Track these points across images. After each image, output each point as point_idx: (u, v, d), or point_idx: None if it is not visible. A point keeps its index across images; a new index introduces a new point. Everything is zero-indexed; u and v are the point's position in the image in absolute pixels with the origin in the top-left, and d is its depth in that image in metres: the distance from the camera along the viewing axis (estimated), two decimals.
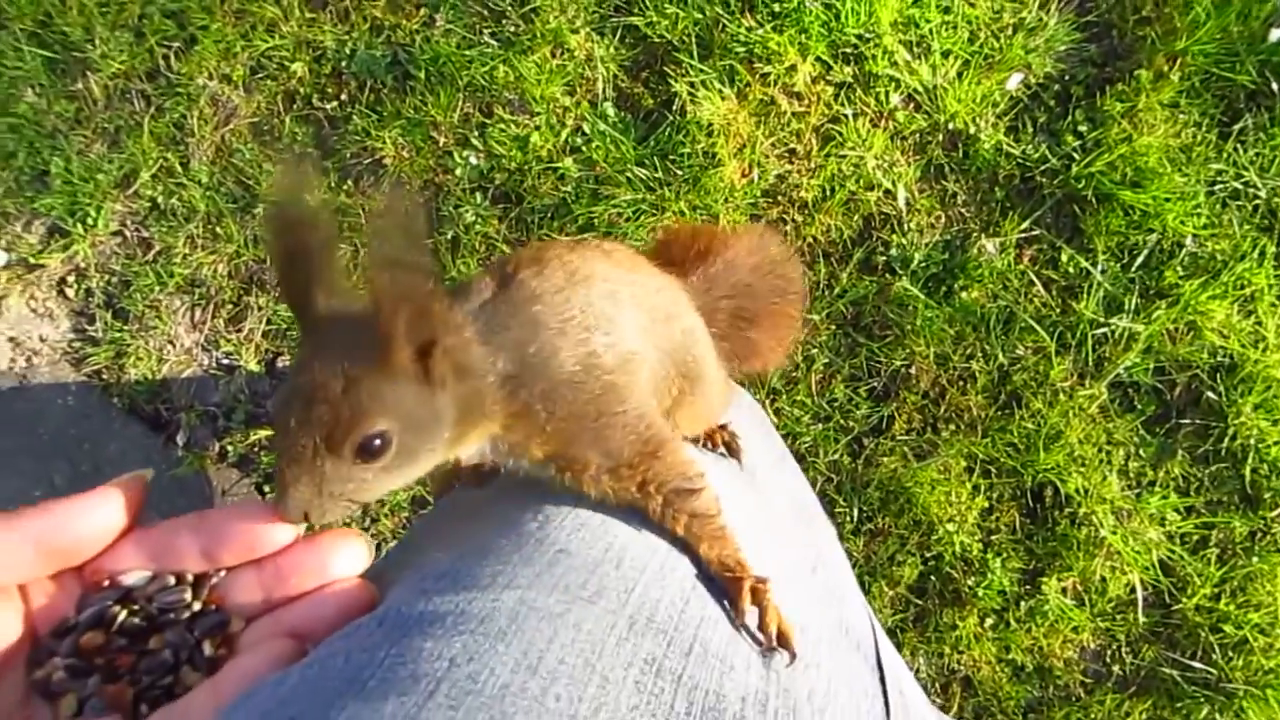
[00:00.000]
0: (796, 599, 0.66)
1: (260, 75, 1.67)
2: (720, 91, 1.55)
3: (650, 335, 0.68)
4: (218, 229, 1.67)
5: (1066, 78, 1.55)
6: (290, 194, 0.54)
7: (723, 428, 0.85)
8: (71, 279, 1.72)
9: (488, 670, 0.46)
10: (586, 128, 1.59)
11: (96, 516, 0.52)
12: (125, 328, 1.69)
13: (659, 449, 0.61)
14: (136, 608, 0.54)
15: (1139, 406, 1.53)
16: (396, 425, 0.52)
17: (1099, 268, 1.52)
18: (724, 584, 0.60)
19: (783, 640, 0.57)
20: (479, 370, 0.57)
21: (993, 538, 1.55)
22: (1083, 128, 1.53)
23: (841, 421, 1.58)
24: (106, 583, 0.54)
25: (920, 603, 1.57)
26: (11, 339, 1.70)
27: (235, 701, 0.49)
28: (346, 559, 0.55)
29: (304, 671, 0.49)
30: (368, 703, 0.44)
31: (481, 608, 0.51)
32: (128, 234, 1.71)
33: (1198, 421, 1.53)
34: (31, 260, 1.69)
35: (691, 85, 1.55)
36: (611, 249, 0.73)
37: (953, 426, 1.56)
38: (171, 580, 0.54)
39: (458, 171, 1.61)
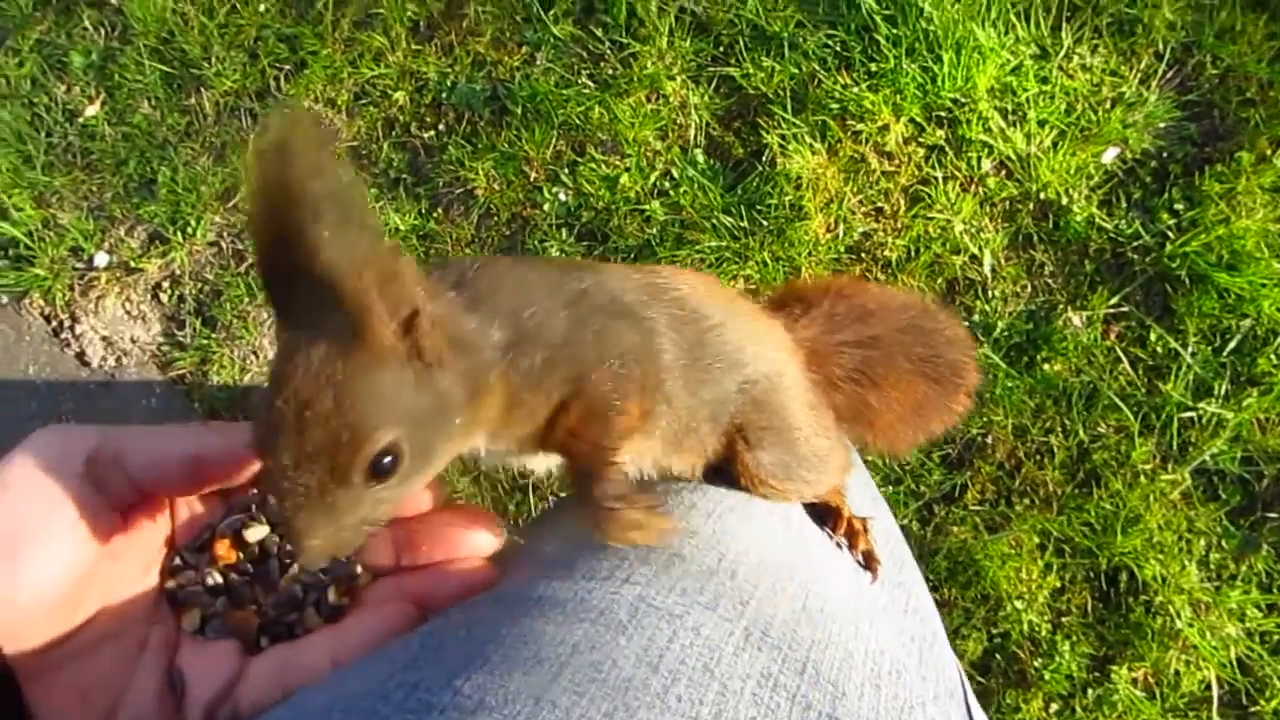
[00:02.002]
0: (892, 637, 0.65)
1: (363, 101, 1.73)
2: (811, 145, 1.56)
3: (685, 375, 0.61)
4: None
5: (1164, 155, 1.53)
6: (294, 141, 0.40)
7: (863, 521, 0.74)
8: (167, 285, 1.78)
9: (610, 661, 0.46)
10: (676, 172, 1.61)
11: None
12: (213, 335, 1.74)
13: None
14: (275, 525, 0.55)
15: (1223, 496, 1.48)
16: (404, 429, 0.45)
17: (1189, 349, 1.48)
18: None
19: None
20: (474, 340, 0.50)
21: (1063, 619, 1.51)
22: (1179, 206, 1.51)
23: (912, 486, 1.55)
24: (253, 505, 0.56)
25: (984, 680, 1.52)
26: (105, 338, 1.77)
27: (359, 660, 0.50)
28: (479, 539, 0.56)
29: (425, 639, 0.49)
30: (492, 675, 0.44)
31: (601, 599, 0.51)
32: (224, 245, 1.77)
33: None
34: (131, 264, 1.76)
35: (783, 137, 1.57)
36: (674, 274, 0.66)
37: (1027, 501, 1.52)
38: None
39: (546, 207, 1.64)
